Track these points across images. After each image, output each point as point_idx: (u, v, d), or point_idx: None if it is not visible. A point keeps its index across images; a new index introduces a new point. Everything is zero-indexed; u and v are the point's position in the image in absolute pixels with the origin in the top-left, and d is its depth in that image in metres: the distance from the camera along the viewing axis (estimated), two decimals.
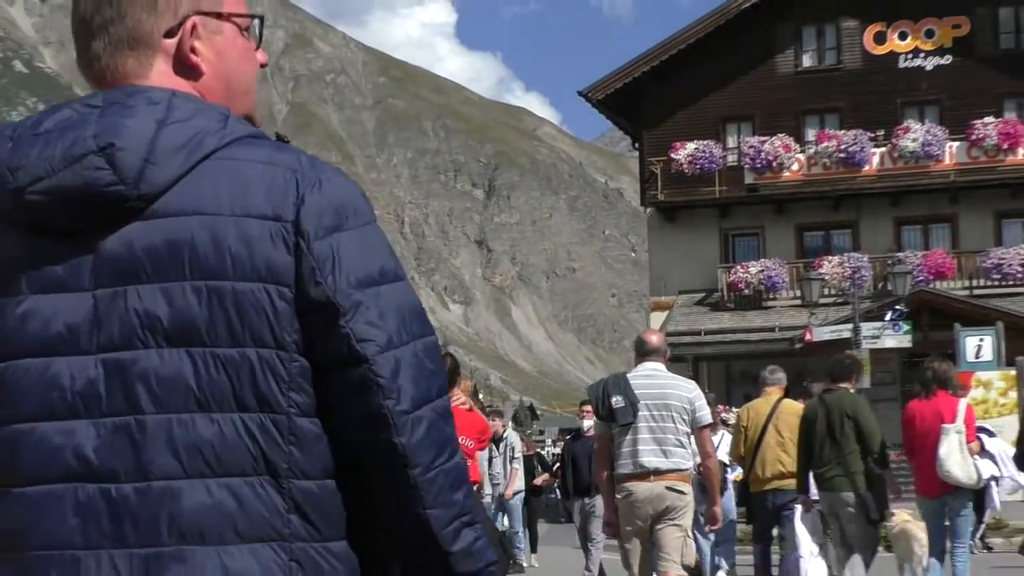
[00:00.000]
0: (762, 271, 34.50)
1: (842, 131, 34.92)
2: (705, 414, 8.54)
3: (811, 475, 10.46)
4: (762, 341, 32.54)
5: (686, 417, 8.37)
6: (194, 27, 1.89)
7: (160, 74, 1.87)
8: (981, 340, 21.34)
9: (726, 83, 36.48)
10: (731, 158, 36.21)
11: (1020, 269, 32.53)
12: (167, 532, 1.73)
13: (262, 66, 2.02)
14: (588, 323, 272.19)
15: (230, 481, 1.75)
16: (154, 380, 1.75)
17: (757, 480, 11.44)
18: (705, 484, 9.07)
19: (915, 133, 34.13)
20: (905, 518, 11.37)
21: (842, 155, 34.47)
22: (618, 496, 8.39)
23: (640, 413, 8.26)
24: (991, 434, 11.00)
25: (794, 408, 11.35)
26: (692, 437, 8.54)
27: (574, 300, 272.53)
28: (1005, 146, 33.64)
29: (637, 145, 38.37)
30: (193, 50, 1.88)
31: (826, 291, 32.04)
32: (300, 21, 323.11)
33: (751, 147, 35.28)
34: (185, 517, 1.73)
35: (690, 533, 8.60)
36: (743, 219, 36.47)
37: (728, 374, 35.17)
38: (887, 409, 27.36)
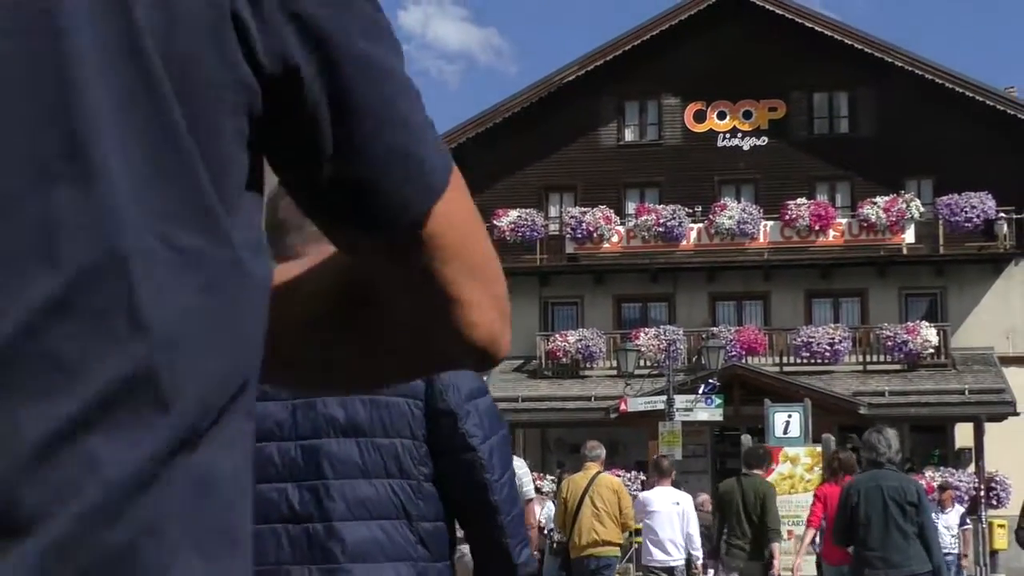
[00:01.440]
0: (580, 340, 34.75)
1: (661, 205, 35.51)
2: (529, 489, 10.22)
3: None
4: (578, 410, 32.74)
5: None
6: None
7: None
8: (789, 416, 21.71)
9: (549, 153, 36.86)
10: (553, 227, 36.51)
11: (828, 348, 33.38)
12: (340, 554, 2.77)
13: None
14: None
15: (381, 523, 2.81)
16: (334, 458, 2.81)
17: (575, 547, 12.78)
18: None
19: (731, 211, 34.87)
20: None
21: (661, 229, 35.01)
22: (456, 556, 9.52)
23: None
24: None
25: (609, 482, 12.98)
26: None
27: None
28: (816, 227, 34.59)
29: None
30: None
31: (642, 362, 32.38)
32: None
33: (572, 217, 35.61)
34: (352, 545, 2.78)
35: None
36: (563, 288, 36.76)
37: (544, 441, 35.26)
38: (698, 481, 27.76)
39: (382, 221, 0.92)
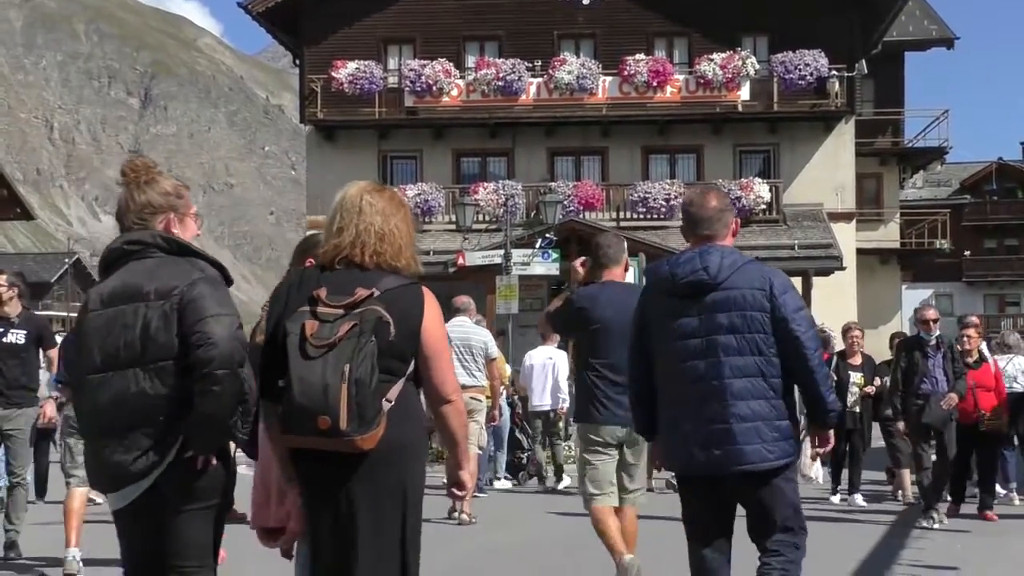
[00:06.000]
0: (419, 195, 34.63)
1: (501, 59, 35.30)
2: (493, 350, 13.51)
3: None
4: None
5: (482, 353, 13.34)
6: None
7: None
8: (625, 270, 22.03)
9: (389, 5, 36.26)
10: (392, 80, 36.09)
11: (664, 203, 33.81)
12: (729, 396, 5.43)
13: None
14: (245, 240, 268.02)
15: (750, 379, 5.46)
16: (723, 346, 5.43)
17: None
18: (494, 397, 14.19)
19: (570, 66, 34.84)
20: None
21: (500, 83, 34.87)
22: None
23: (452, 349, 11.15)
24: None
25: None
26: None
27: (231, 216, 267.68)
28: (654, 83, 34.78)
29: (298, 62, 37.73)
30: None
31: (480, 217, 32.49)
32: None
33: (412, 70, 35.22)
34: (735, 391, 5.44)
35: (483, 425, 13.88)
36: (402, 142, 36.50)
37: None
38: (534, 335, 28.09)
39: None
